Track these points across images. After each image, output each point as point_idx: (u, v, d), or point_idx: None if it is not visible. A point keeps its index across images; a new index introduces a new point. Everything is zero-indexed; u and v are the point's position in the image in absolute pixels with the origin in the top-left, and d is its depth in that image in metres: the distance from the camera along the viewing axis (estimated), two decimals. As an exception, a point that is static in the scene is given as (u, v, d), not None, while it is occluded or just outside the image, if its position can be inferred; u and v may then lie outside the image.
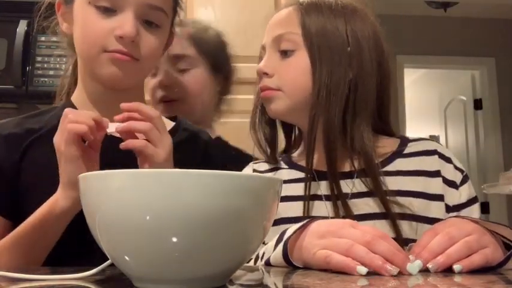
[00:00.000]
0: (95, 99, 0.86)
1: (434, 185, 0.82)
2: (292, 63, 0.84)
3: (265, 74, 0.86)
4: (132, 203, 0.41)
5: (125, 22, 0.78)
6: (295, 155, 0.95)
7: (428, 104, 5.41)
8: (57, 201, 0.71)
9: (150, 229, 0.41)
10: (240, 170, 0.92)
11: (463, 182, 0.83)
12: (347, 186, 0.82)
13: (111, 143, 0.72)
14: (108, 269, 0.54)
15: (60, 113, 0.87)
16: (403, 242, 0.74)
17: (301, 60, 0.83)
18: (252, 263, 0.72)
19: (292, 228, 0.65)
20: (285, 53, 0.85)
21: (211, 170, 0.42)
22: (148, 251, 0.42)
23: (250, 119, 0.93)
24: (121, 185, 0.42)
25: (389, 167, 0.83)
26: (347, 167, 0.84)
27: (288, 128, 0.97)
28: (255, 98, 0.93)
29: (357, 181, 0.82)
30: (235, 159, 1.08)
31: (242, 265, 0.49)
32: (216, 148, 0.98)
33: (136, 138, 0.71)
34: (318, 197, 0.83)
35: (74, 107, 0.87)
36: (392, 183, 0.81)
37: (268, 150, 0.91)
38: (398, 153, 0.86)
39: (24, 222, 0.73)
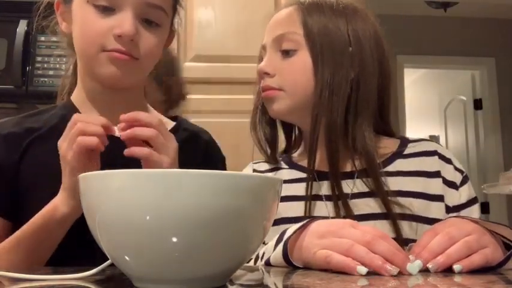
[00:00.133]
0: (94, 98, 0.86)
1: (434, 186, 0.82)
2: (294, 63, 0.84)
3: (267, 73, 0.86)
4: (132, 203, 0.41)
5: (124, 21, 0.78)
6: (295, 155, 0.95)
7: (428, 104, 5.40)
8: (58, 206, 0.72)
9: (150, 229, 0.41)
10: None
11: (463, 182, 0.83)
12: (348, 186, 0.82)
13: (112, 142, 0.72)
14: (108, 269, 0.54)
15: (60, 112, 0.87)
16: (403, 242, 0.74)
17: (303, 60, 0.83)
18: (252, 263, 0.72)
19: (292, 228, 0.65)
20: (286, 53, 0.85)
21: (212, 169, 0.42)
22: (149, 251, 0.42)
23: (251, 119, 0.93)
24: (121, 185, 0.42)
25: (390, 168, 0.83)
26: (348, 167, 0.84)
27: (288, 128, 0.97)
28: (255, 98, 0.93)
29: (357, 181, 0.82)
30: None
31: (242, 265, 0.49)
32: (216, 148, 0.98)
33: (141, 143, 0.71)
34: (318, 197, 0.83)
35: (73, 106, 0.87)
36: (392, 183, 0.81)
37: (269, 150, 0.91)
38: (399, 154, 0.86)
39: (26, 225, 0.73)
